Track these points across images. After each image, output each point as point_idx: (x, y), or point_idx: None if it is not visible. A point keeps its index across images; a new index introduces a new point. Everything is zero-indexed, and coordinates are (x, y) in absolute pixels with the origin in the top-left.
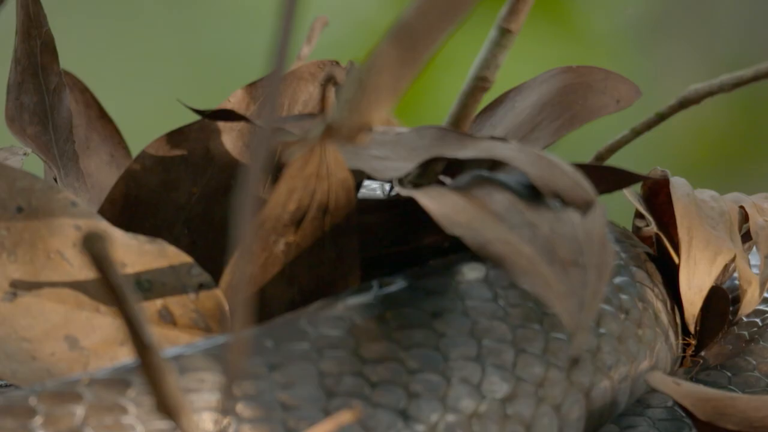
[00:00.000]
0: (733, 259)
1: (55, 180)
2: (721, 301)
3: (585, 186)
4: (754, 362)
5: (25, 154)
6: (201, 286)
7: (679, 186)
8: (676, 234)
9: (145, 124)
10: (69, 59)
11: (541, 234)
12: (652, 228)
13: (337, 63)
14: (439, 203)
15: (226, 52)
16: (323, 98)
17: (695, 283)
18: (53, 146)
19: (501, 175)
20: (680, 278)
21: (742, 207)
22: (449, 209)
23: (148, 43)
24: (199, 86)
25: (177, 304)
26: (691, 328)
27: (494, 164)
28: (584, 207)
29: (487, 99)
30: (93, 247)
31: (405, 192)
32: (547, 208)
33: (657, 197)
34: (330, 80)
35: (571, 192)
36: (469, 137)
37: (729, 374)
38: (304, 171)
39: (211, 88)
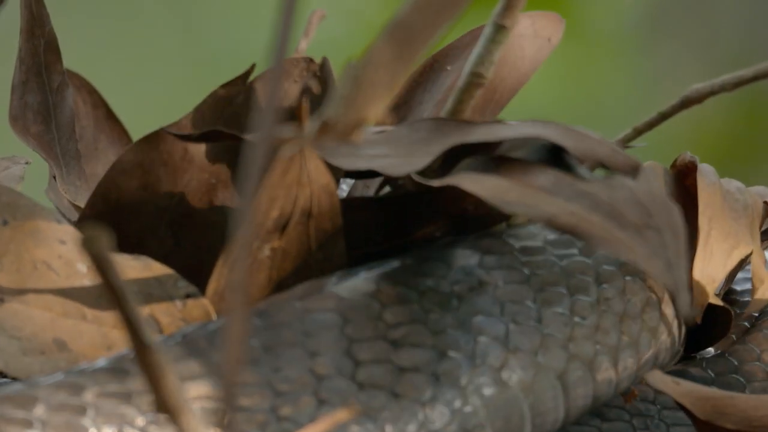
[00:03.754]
0: (750, 255)
1: (55, 179)
2: (725, 319)
3: (623, 152)
4: (758, 350)
5: (26, 162)
6: (188, 296)
7: (706, 174)
8: (697, 220)
9: (146, 123)
10: (69, 59)
11: (602, 202)
12: None
13: (311, 60)
14: (483, 186)
15: (226, 52)
16: (300, 107)
17: (708, 272)
18: (56, 145)
19: (515, 153)
20: (694, 266)
21: (766, 202)
22: (496, 191)
23: (149, 43)
24: (199, 86)
25: (164, 313)
26: (699, 319)
27: (490, 148)
28: (632, 171)
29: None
30: (93, 247)
31: (437, 182)
32: (592, 177)
33: (686, 179)
34: (305, 93)
35: (613, 159)
36: (469, 123)
37: (735, 363)
38: (285, 179)
39: (211, 88)
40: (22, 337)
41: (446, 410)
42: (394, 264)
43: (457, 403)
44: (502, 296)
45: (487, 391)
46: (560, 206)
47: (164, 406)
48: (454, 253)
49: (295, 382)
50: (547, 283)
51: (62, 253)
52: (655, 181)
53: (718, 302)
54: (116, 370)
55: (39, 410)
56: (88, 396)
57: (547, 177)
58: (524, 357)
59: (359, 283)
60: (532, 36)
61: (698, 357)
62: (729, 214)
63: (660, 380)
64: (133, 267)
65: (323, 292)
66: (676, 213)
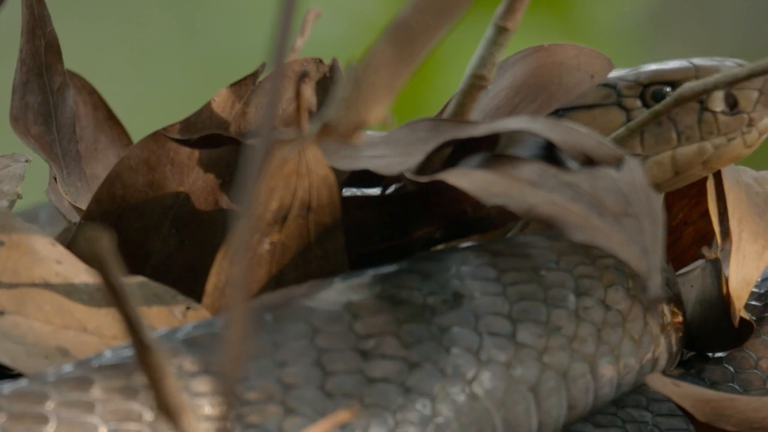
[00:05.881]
0: None
1: (55, 180)
2: (745, 331)
3: (609, 143)
4: (756, 357)
5: (26, 160)
6: (188, 309)
7: (728, 172)
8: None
9: (146, 124)
10: (70, 60)
11: (584, 191)
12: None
13: (321, 60)
14: (470, 180)
15: (226, 54)
16: (298, 96)
17: (743, 277)
18: (56, 146)
19: (511, 150)
20: (730, 272)
21: None
22: (482, 184)
23: (149, 44)
24: (200, 87)
25: (165, 325)
26: (735, 322)
27: (488, 146)
28: (616, 162)
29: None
30: (93, 248)
31: (426, 179)
32: (578, 169)
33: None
34: (304, 77)
35: (598, 151)
36: (466, 122)
37: (732, 370)
38: (284, 170)
39: (211, 88)
40: (26, 344)
41: (416, 421)
42: (370, 274)
43: (428, 412)
44: (477, 308)
45: (459, 403)
46: (542, 197)
47: (164, 406)
48: (429, 264)
49: (263, 391)
50: (523, 294)
51: (60, 271)
52: (637, 171)
53: (745, 315)
54: (121, 366)
55: (50, 405)
56: (96, 392)
57: (533, 169)
58: (497, 369)
59: (332, 294)
60: (574, 68)
61: (696, 362)
62: (754, 211)
63: (659, 382)
64: (130, 284)
65: (294, 302)
66: (655, 201)
